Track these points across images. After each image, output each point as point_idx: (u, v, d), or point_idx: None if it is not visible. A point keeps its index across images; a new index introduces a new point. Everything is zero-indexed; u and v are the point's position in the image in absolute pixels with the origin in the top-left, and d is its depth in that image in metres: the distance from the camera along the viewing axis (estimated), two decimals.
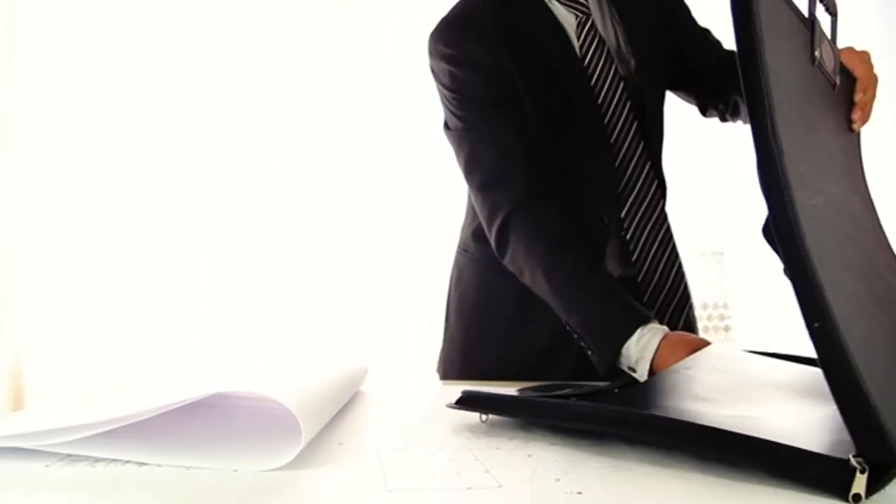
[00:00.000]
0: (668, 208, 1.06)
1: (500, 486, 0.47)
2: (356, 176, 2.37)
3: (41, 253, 2.01)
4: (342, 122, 2.37)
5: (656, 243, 1.03)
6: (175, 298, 2.15)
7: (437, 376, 1.18)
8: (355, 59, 2.38)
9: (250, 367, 0.93)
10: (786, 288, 0.47)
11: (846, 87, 0.74)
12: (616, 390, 0.69)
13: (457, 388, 0.67)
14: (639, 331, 0.85)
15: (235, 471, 0.49)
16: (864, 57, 0.79)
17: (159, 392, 0.57)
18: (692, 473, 0.49)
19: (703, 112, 1.19)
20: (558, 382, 0.80)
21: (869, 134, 0.78)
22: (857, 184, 0.71)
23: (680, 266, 1.05)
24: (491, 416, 0.64)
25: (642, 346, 0.84)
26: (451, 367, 1.14)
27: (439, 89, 1.05)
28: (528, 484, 0.48)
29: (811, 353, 0.46)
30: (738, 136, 1.13)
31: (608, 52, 1.02)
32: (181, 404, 0.50)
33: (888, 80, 0.90)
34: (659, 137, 1.09)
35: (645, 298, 1.02)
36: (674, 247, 1.05)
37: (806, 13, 0.60)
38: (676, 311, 1.03)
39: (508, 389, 0.73)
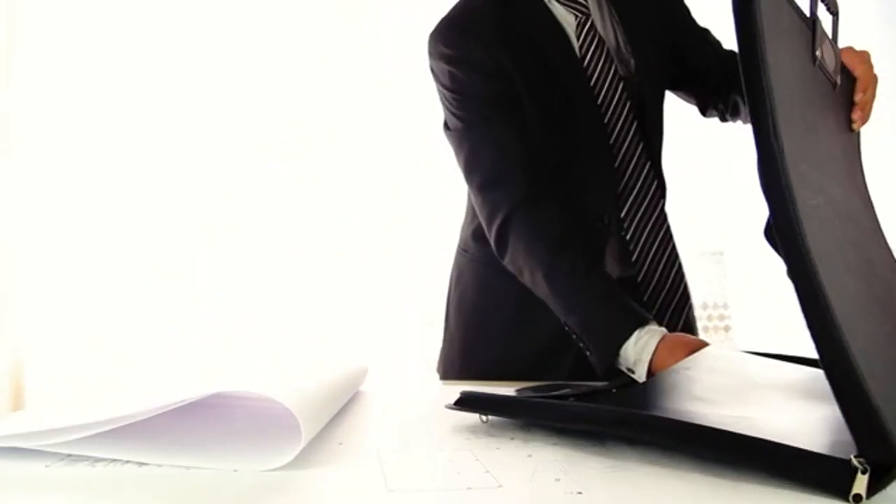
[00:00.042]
0: (668, 208, 1.06)
1: (500, 486, 0.47)
2: (356, 176, 2.37)
3: (41, 253, 2.01)
4: (342, 122, 2.37)
5: (656, 243, 1.03)
6: (175, 298, 2.14)
7: (437, 376, 1.18)
8: (355, 59, 2.38)
9: (250, 367, 0.92)
10: (786, 288, 0.46)
11: (846, 87, 0.74)
12: (614, 391, 0.69)
13: (457, 388, 0.67)
14: (636, 332, 0.85)
15: (235, 471, 0.49)
16: (864, 57, 0.79)
17: (159, 392, 0.57)
18: (692, 474, 0.49)
19: (703, 112, 1.19)
20: (557, 382, 0.80)
21: (869, 134, 0.78)
22: (856, 184, 0.71)
23: (680, 266, 1.05)
24: (491, 416, 0.64)
25: (640, 348, 0.84)
26: (451, 367, 1.14)
27: (439, 89, 1.05)
28: (528, 484, 0.48)
29: (811, 353, 0.46)
30: (737, 136, 1.13)
31: (608, 52, 1.02)
32: (181, 404, 0.50)
33: (888, 80, 0.90)
34: (659, 137, 1.09)
35: (645, 298, 1.02)
36: (673, 247, 1.05)
37: (807, 12, 0.60)
38: (676, 311, 1.03)
39: (508, 389, 0.73)
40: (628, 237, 1.03)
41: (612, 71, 1.02)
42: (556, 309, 0.93)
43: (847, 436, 0.44)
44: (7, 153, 1.95)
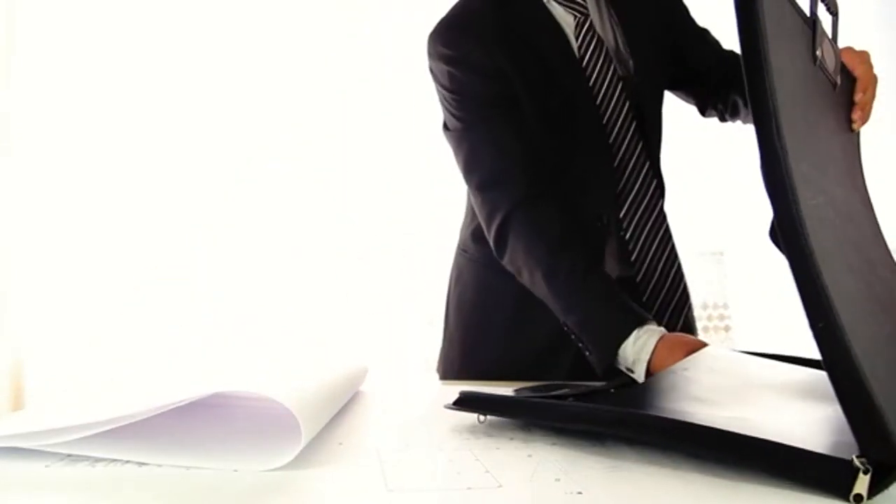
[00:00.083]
0: (667, 208, 1.06)
1: (500, 486, 0.47)
2: (356, 176, 2.37)
3: (41, 253, 2.01)
4: (342, 122, 2.37)
5: (655, 243, 1.03)
6: (175, 298, 2.14)
7: (436, 376, 1.18)
8: (355, 59, 2.38)
9: (250, 367, 0.92)
10: (786, 288, 0.46)
11: (846, 87, 0.74)
12: (613, 391, 0.69)
13: (456, 388, 0.67)
14: (635, 332, 0.85)
15: (235, 471, 0.49)
16: (864, 57, 0.79)
17: (159, 392, 0.57)
18: (692, 474, 0.49)
19: (703, 112, 1.19)
20: (556, 382, 0.80)
21: (869, 134, 0.78)
22: (856, 184, 0.71)
23: (679, 266, 1.05)
24: (490, 416, 0.64)
25: (639, 348, 0.84)
26: (451, 367, 1.14)
27: (438, 90, 1.05)
28: (528, 484, 0.48)
29: (811, 353, 0.46)
30: (737, 136, 1.13)
31: (607, 52, 1.02)
32: (181, 404, 0.50)
33: (888, 80, 0.90)
34: (658, 137, 1.09)
35: (644, 298, 1.02)
36: (673, 247, 1.05)
37: (807, 12, 0.60)
38: (676, 311, 1.03)
39: (507, 389, 0.73)
40: (627, 237, 1.03)
41: (610, 71, 1.02)
42: (555, 309, 0.93)
43: (847, 436, 0.44)
44: (7, 153, 1.95)
